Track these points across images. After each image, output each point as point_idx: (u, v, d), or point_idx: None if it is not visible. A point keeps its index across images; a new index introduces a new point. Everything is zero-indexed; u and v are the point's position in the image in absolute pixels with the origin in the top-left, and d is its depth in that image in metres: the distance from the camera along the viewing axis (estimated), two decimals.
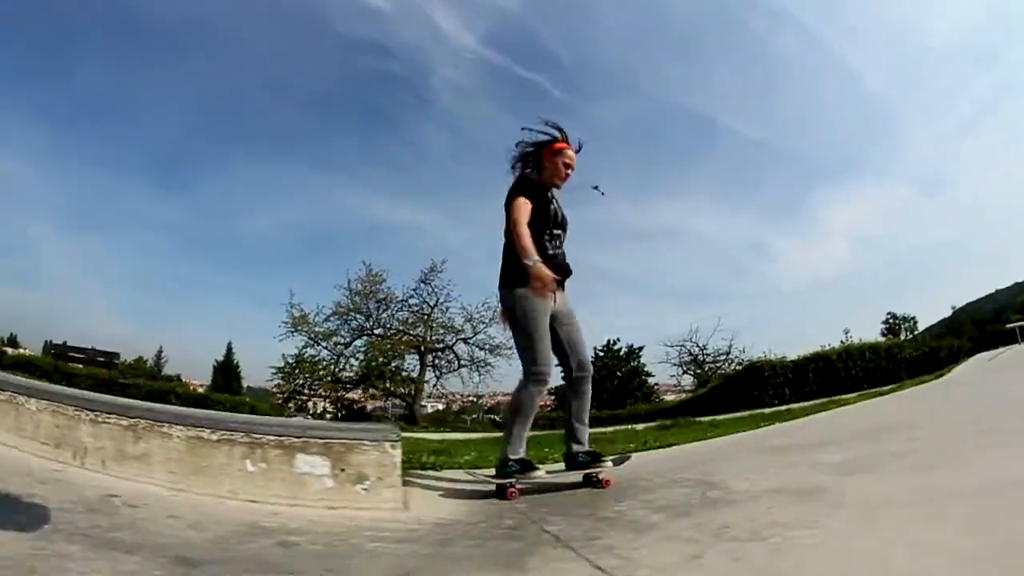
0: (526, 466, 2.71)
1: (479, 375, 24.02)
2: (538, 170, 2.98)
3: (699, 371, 25.94)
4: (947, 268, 79.09)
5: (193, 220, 60.39)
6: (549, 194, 2.93)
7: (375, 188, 73.61)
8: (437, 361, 24.15)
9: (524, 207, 2.78)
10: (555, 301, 2.79)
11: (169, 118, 59.07)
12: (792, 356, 18.27)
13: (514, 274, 2.76)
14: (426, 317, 23.43)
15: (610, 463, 2.79)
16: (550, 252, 2.84)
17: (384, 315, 23.44)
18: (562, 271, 2.91)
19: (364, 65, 67.70)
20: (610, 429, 10.34)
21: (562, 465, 2.93)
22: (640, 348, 27.53)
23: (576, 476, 2.82)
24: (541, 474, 2.77)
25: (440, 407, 32.23)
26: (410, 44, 74.72)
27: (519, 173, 3.00)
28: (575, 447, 2.84)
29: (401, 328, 23.29)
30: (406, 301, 23.52)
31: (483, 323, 23.44)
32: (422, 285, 23.35)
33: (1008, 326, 24.27)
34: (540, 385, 2.73)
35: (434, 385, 24.75)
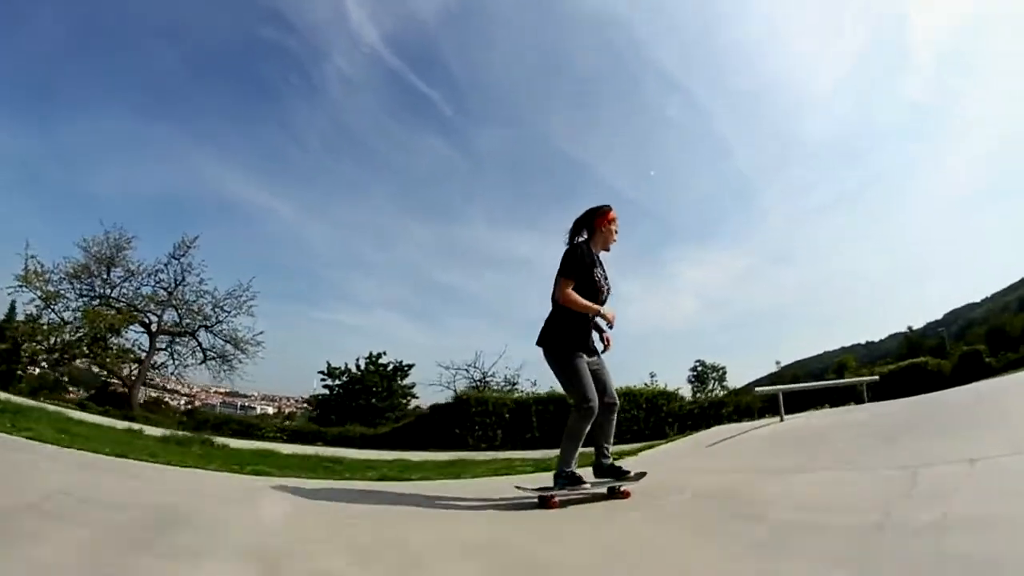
0: (575, 479, 3.28)
1: (223, 370, 21.75)
2: (591, 235, 3.52)
3: None
4: (781, 329, 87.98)
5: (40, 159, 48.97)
6: (597, 260, 3.51)
7: (238, 164, 67.35)
8: (177, 347, 21.66)
9: (572, 293, 3.33)
10: (588, 353, 3.42)
11: (43, 36, 47.74)
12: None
13: (565, 338, 3.36)
14: (169, 295, 20.91)
15: (633, 476, 3.42)
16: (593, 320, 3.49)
17: (126, 285, 20.71)
18: (597, 330, 3.57)
19: (263, 33, 62.23)
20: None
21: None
22: (409, 366, 25.54)
23: (602, 488, 3.41)
24: (587, 486, 3.33)
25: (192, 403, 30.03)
26: (313, 24, 69.05)
27: (573, 241, 3.49)
28: (604, 461, 3.48)
29: (136, 303, 20.53)
30: (155, 275, 20.94)
31: (229, 312, 21.38)
32: (173, 260, 20.93)
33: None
34: (589, 415, 3.25)
35: (172, 372, 22.21)
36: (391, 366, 25.29)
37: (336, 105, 70.95)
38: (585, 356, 3.36)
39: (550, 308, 3.47)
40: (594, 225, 3.51)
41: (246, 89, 61.20)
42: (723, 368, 44.60)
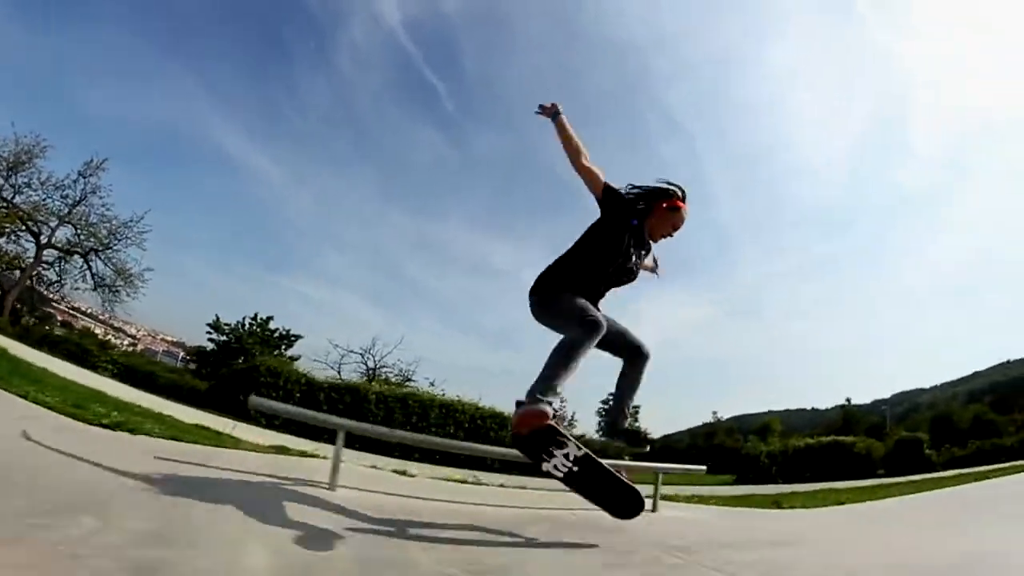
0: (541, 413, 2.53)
1: (109, 300, 21.49)
2: (646, 215, 2.91)
3: None
4: (729, 381, 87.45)
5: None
6: (639, 238, 2.89)
7: (239, 118, 67.61)
8: (67, 267, 21.36)
9: (598, 175, 2.83)
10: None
11: None
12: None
13: (561, 280, 2.77)
14: (69, 211, 20.57)
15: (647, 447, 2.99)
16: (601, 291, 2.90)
17: (29, 191, 20.33)
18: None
19: None
20: None
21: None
22: (297, 336, 24.90)
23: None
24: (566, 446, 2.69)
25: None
26: None
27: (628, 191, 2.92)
28: (621, 421, 3.03)
29: (26, 209, 19.94)
30: (61, 189, 20.58)
31: (121, 240, 21.04)
32: (80, 178, 20.67)
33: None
34: (594, 328, 2.59)
35: (57, 291, 22.27)
36: (277, 333, 24.68)
37: (343, 78, 70.55)
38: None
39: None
40: (652, 205, 2.91)
41: (265, 46, 61.18)
42: (636, 407, 43.58)
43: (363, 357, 24.45)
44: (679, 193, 2.93)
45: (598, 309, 2.79)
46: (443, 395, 17.61)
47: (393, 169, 74.32)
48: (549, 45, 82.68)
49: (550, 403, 2.49)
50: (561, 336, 2.64)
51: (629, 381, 2.93)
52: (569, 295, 2.70)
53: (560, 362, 2.54)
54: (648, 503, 3.52)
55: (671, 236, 2.99)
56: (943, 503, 6.95)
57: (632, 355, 2.92)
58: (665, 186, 2.92)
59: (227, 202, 60.08)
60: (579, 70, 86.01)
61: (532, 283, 2.84)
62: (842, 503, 6.98)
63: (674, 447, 35.31)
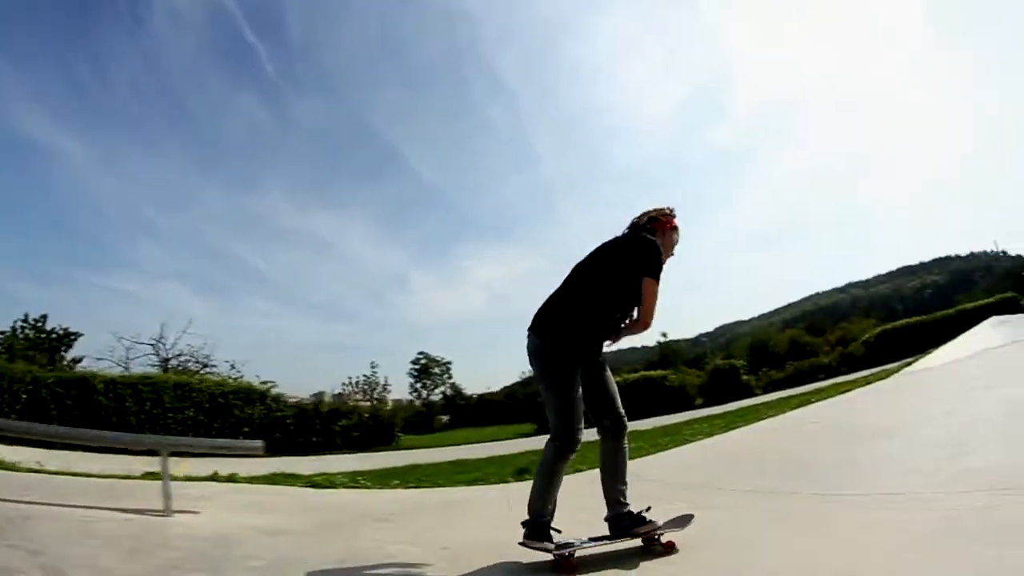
0: (543, 532, 2.60)
1: None
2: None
3: None
4: None
5: None
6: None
7: (33, 91, 55.25)
8: None
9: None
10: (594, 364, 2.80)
11: None
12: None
13: (580, 339, 2.70)
14: None
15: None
16: (620, 323, 2.87)
17: None
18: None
19: None
20: None
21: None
22: (75, 335, 22.83)
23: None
24: (552, 545, 2.55)
25: None
26: None
27: (650, 237, 2.80)
28: (621, 507, 2.71)
29: None
30: None
31: None
32: None
33: None
34: (570, 452, 2.65)
35: None
36: (53, 334, 22.55)
37: (156, 41, 63.15)
38: (586, 366, 2.74)
39: (566, 293, 2.79)
40: (654, 229, 2.87)
41: (69, 4, 51.76)
42: (448, 363, 43.75)
43: (154, 348, 22.70)
44: (672, 211, 2.95)
45: (600, 355, 2.82)
46: (204, 376, 17.36)
47: (206, 140, 69.45)
48: (380, 13, 79.33)
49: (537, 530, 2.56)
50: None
51: (616, 462, 2.74)
52: (574, 371, 2.63)
53: (543, 485, 2.62)
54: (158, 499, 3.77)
55: (674, 252, 2.98)
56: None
57: (614, 426, 2.76)
58: (659, 209, 2.93)
59: (26, 197, 51.15)
60: (410, 35, 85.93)
61: (539, 320, 2.75)
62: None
63: (492, 399, 37.37)
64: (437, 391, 44.38)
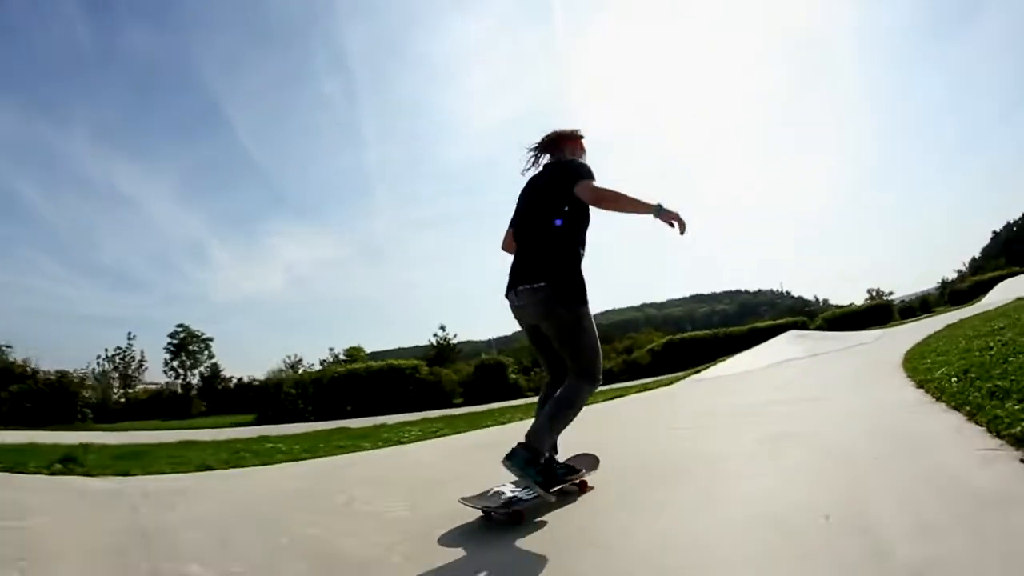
0: (560, 472, 2.54)
1: None
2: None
3: None
4: (363, 320, 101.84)
5: None
6: None
7: None
8: None
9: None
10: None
11: None
12: None
13: (581, 282, 2.52)
14: None
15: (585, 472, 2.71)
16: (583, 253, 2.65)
17: None
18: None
19: None
20: None
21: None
22: None
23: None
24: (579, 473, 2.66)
25: None
26: None
27: (564, 157, 2.74)
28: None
29: None
30: None
31: None
32: None
33: None
34: (595, 387, 2.62)
35: None
36: None
37: None
38: None
39: (538, 240, 2.56)
40: (562, 148, 2.76)
41: None
42: (208, 339, 39.49)
43: None
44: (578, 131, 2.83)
45: None
46: None
47: (14, 50, 56.95)
48: None
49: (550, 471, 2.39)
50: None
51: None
52: (589, 313, 2.53)
53: (561, 423, 2.43)
54: None
55: None
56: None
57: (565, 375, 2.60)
58: (569, 130, 2.79)
59: None
60: None
61: (539, 271, 2.49)
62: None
63: (254, 386, 32.34)
64: (196, 371, 39.07)
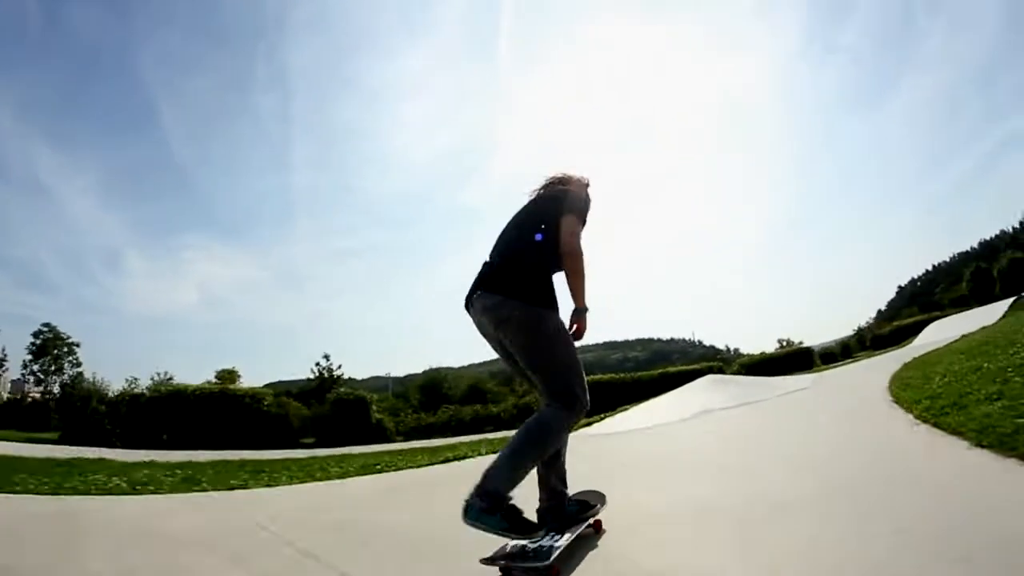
0: (525, 524, 1.95)
1: None
2: None
3: None
4: (278, 346, 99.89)
5: None
6: None
7: None
8: None
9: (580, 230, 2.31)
10: None
11: None
12: None
13: (551, 293, 2.24)
14: None
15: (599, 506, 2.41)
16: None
17: None
18: None
19: None
20: None
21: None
22: None
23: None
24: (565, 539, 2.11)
25: None
26: None
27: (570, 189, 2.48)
28: (564, 495, 2.33)
29: None
30: None
31: None
32: None
33: None
34: (581, 414, 2.23)
35: None
36: None
37: None
38: None
39: (509, 250, 2.32)
40: (579, 189, 2.51)
41: None
42: (74, 343, 36.19)
43: None
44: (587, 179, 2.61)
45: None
46: None
47: None
48: None
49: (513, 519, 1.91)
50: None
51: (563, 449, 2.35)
52: (561, 321, 2.20)
53: (529, 459, 2.03)
54: None
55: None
56: None
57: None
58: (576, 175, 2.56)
59: None
60: None
61: (506, 277, 2.21)
62: None
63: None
64: (59, 377, 34.95)
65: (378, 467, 5.65)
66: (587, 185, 2.55)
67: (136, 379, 24.19)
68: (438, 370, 25.26)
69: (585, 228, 2.34)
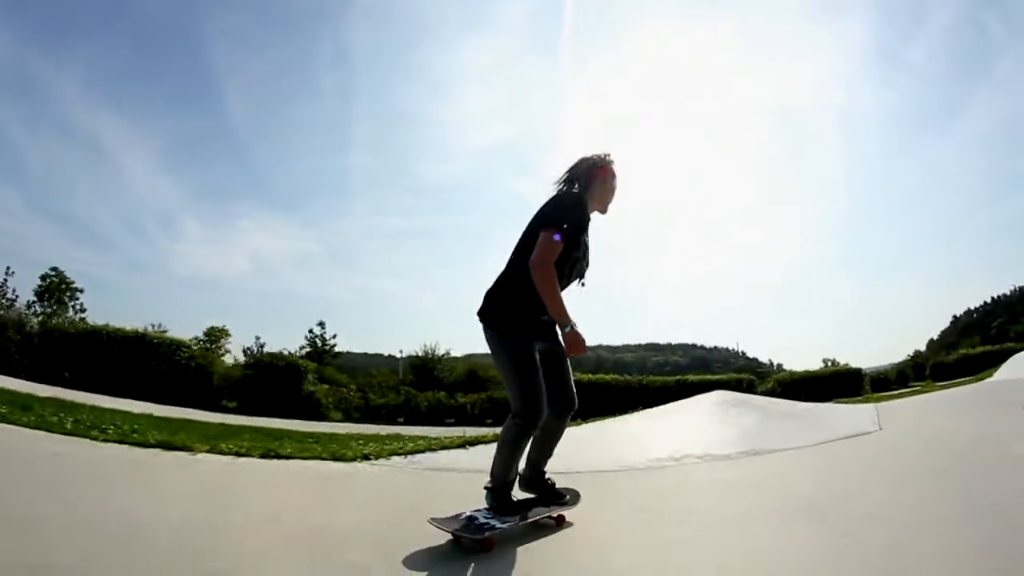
0: (512, 505, 2.55)
1: None
2: (584, 190, 2.63)
3: None
4: (321, 316, 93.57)
5: None
6: (586, 229, 2.59)
7: None
8: None
9: (556, 249, 2.38)
10: (545, 337, 2.56)
11: None
12: None
13: (520, 312, 2.46)
14: None
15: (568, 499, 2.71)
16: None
17: None
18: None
19: None
20: None
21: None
22: None
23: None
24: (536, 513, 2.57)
25: None
26: None
27: (566, 188, 2.63)
28: (540, 473, 2.70)
29: None
30: None
31: None
32: None
33: None
34: (532, 428, 2.45)
35: None
36: None
37: None
38: (539, 343, 2.51)
39: (505, 267, 2.54)
40: (590, 176, 2.62)
41: None
42: (79, 288, 33.64)
43: None
44: (609, 159, 2.66)
45: (553, 333, 2.56)
46: None
47: None
48: None
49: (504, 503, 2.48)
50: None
51: (551, 439, 2.65)
52: (523, 344, 2.43)
53: (507, 457, 2.47)
54: None
55: (613, 198, 2.70)
56: None
57: (565, 408, 2.62)
58: (594, 157, 2.63)
59: None
60: None
61: (483, 303, 2.56)
62: None
63: None
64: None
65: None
66: (598, 165, 2.61)
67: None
68: (433, 351, 23.12)
69: (594, 217, 2.62)
